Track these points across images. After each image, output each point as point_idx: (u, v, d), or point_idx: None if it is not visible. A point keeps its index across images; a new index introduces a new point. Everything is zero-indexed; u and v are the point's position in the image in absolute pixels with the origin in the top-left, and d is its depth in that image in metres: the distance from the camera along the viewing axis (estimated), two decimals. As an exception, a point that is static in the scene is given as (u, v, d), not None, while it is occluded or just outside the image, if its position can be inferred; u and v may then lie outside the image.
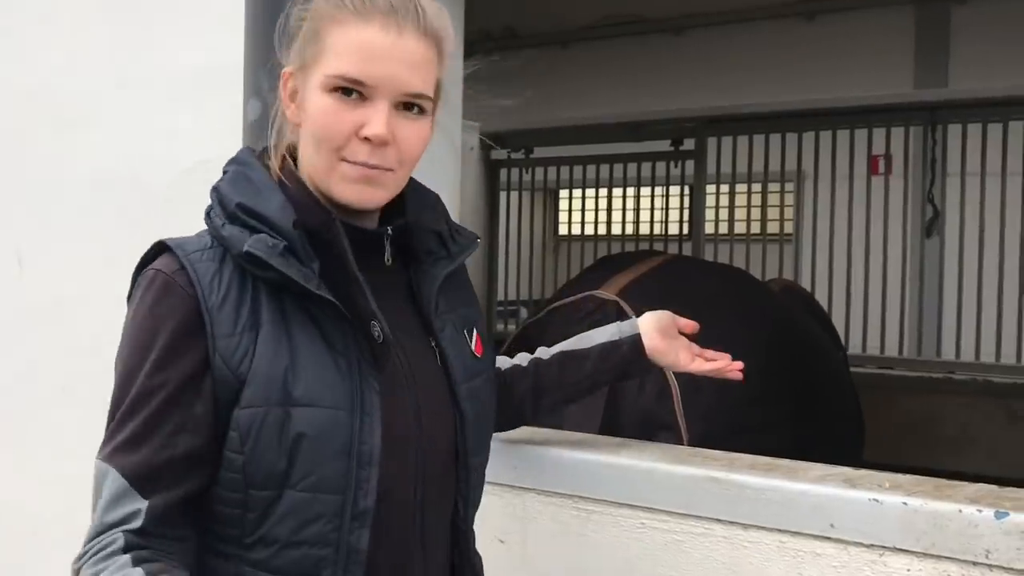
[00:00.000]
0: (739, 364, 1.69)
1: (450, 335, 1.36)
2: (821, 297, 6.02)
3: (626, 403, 2.88)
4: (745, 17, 8.57)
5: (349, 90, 1.23)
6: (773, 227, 6.49)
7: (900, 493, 1.53)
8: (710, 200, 6.42)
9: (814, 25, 8.47)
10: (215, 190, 1.29)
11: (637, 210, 6.82)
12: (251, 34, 2.02)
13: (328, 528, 1.19)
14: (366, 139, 1.23)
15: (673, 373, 3.08)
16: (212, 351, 1.19)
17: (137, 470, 1.15)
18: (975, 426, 5.24)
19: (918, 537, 1.48)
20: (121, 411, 1.17)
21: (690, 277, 3.58)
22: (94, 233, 2.71)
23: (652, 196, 6.77)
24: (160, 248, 1.25)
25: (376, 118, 1.22)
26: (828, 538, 1.56)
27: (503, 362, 1.69)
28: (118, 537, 1.14)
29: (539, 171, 6.95)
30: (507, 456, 1.85)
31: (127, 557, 1.12)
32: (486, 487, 1.42)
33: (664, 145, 6.34)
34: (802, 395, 3.41)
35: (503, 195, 6.89)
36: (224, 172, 1.32)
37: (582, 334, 1.73)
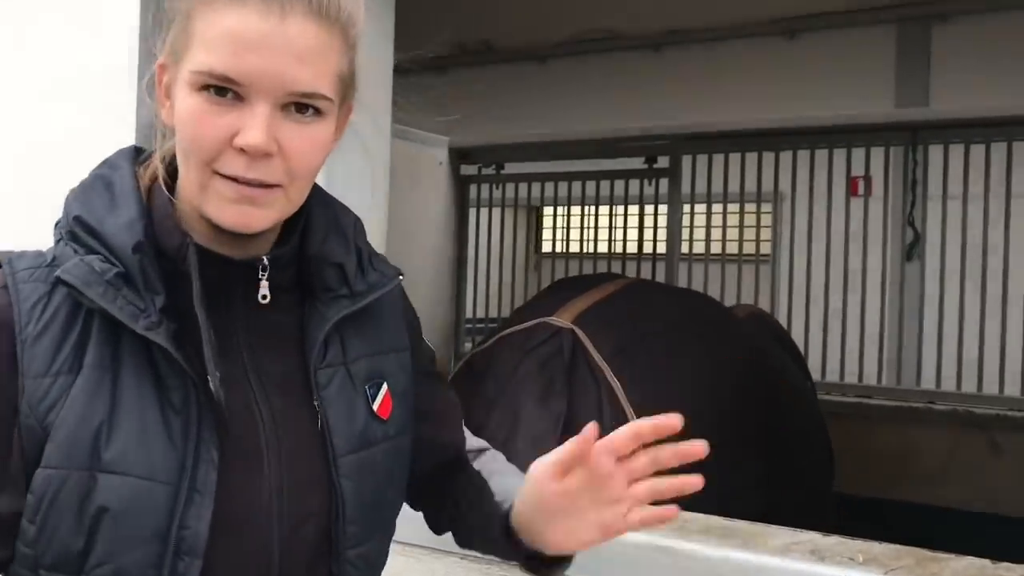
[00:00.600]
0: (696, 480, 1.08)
1: (336, 391, 1.10)
2: (798, 320, 5.87)
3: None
4: (726, 35, 8.52)
5: (223, 89, 0.99)
6: (750, 247, 6.33)
7: (876, 569, 1.30)
8: (686, 219, 6.26)
9: (795, 43, 8.41)
10: (66, 197, 1.07)
11: (611, 228, 6.65)
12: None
13: None
14: (242, 150, 0.99)
15: (631, 405, 2.91)
16: (20, 393, 0.96)
17: None
18: (956, 458, 5.06)
19: (898, 623, 1.26)
20: None
21: (651, 303, 3.41)
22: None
23: (626, 215, 6.60)
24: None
25: (252, 124, 0.98)
26: (792, 620, 1.34)
27: (476, 444, 1.30)
28: None
29: (510, 187, 6.77)
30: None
31: None
32: (404, 549, 1.18)
33: (639, 163, 6.18)
34: (769, 428, 3.28)
35: (484, 211, 6.70)
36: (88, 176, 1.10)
37: (516, 469, 1.24)
